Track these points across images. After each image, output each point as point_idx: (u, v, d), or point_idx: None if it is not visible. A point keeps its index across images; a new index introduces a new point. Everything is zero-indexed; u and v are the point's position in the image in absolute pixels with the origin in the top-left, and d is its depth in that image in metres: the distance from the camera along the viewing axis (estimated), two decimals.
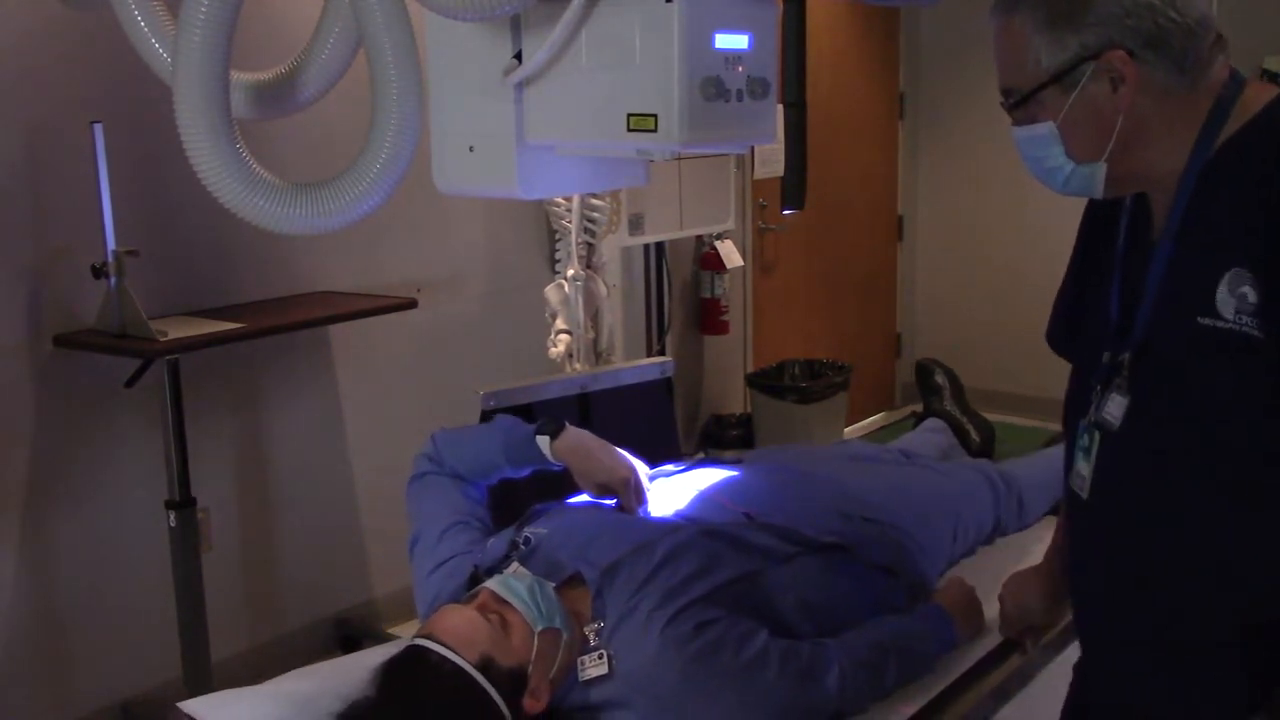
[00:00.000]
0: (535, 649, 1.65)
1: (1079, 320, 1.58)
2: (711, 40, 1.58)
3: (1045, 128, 1.38)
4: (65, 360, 2.78)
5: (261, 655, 3.19)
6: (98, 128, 2.61)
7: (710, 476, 2.11)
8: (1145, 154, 1.37)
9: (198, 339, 2.72)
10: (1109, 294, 1.48)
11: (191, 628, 2.82)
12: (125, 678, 2.97)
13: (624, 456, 2.02)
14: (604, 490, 1.99)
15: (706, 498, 2.03)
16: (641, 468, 2.04)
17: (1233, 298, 1.28)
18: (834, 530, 1.94)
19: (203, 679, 2.79)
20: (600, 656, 1.68)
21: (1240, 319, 1.28)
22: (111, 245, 2.65)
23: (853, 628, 1.82)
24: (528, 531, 1.87)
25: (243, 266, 3.12)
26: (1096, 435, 1.45)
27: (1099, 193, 1.41)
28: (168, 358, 2.71)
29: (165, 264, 2.93)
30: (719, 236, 4.41)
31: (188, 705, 1.84)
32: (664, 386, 2.61)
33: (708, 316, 4.56)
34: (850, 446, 2.82)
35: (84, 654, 2.91)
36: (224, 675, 2.80)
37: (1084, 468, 1.48)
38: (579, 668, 1.69)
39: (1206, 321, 1.30)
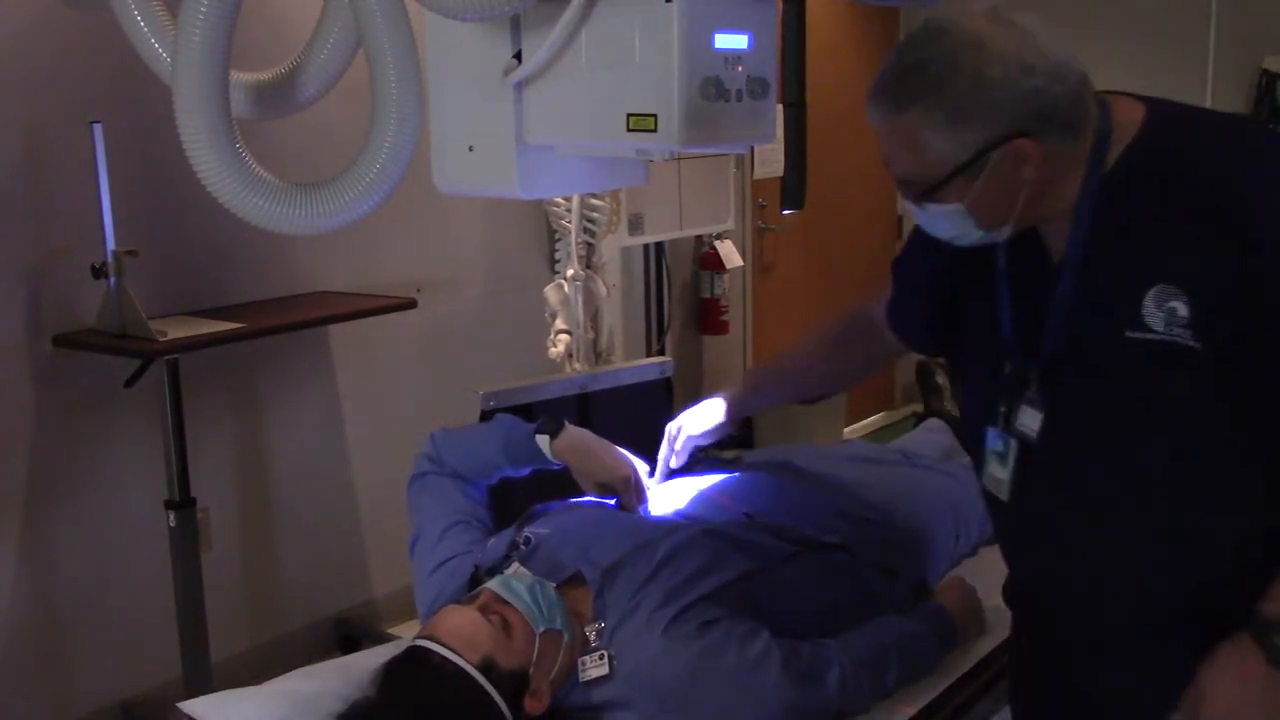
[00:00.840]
0: (537, 650, 1.65)
1: (952, 326, 1.63)
2: (711, 40, 1.58)
3: (954, 208, 1.42)
4: (65, 360, 2.78)
5: (261, 655, 3.19)
6: (97, 127, 2.61)
7: (710, 477, 2.11)
8: (1044, 202, 1.42)
9: (197, 339, 2.72)
10: (997, 311, 1.52)
11: (191, 628, 2.82)
12: (125, 678, 2.96)
13: (623, 455, 2.02)
14: (604, 489, 1.99)
15: (707, 498, 2.03)
16: (642, 466, 2.04)
17: (1161, 311, 1.34)
18: (835, 530, 1.94)
19: (202, 679, 2.79)
20: (601, 657, 1.68)
21: (1172, 330, 1.33)
22: (111, 245, 2.65)
23: (853, 628, 1.82)
24: (528, 531, 1.87)
25: (242, 266, 3.12)
26: (1013, 443, 1.51)
27: (1003, 239, 1.46)
28: (167, 358, 2.71)
29: (165, 264, 2.92)
30: (719, 236, 4.41)
31: (189, 705, 1.84)
32: (664, 386, 2.61)
33: (707, 316, 4.56)
34: (851, 447, 2.82)
35: (83, 654, 2.91)
36: (224, 675, 2.80)
37: (1000, 471, 1.54)
38: (580, 668, 1.69)
39: (1136, 335, 1.35)
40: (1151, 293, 1.34)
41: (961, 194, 1.40)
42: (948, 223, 1.45)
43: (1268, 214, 1.31)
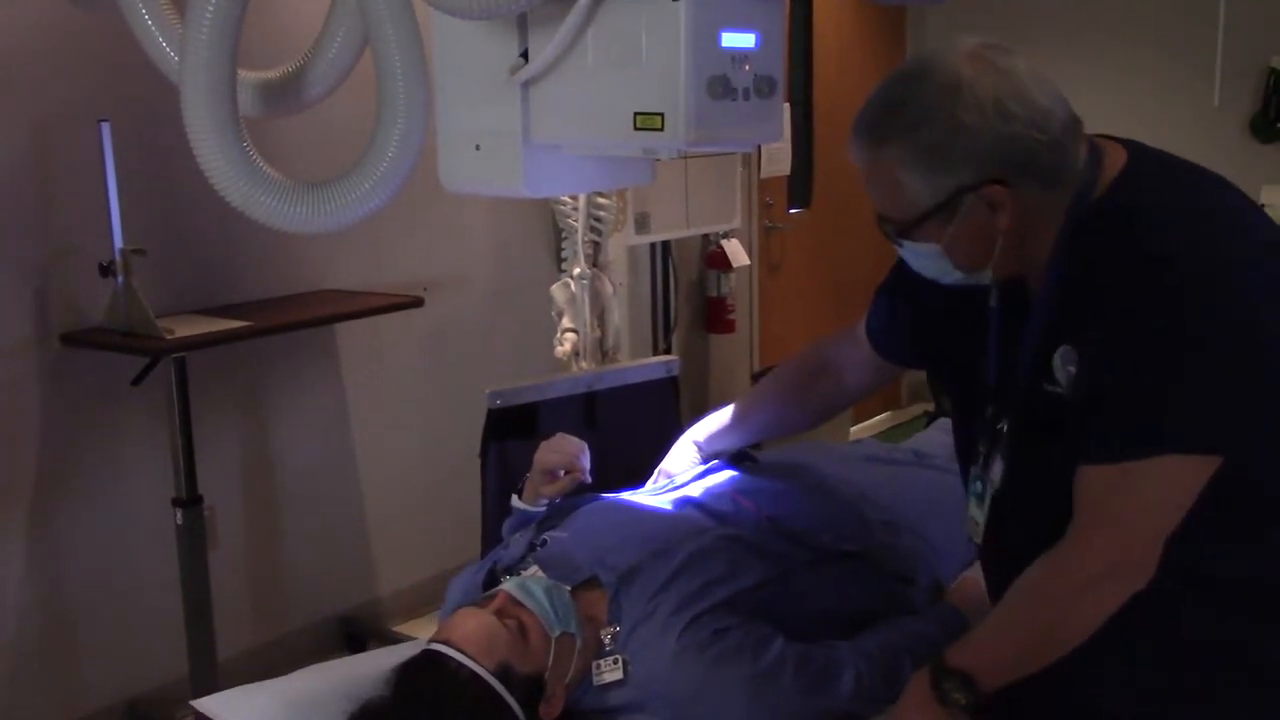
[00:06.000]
0: (552, 655, 1.64)
1: (930, 342, 1.66)
2: (718, 39, 1.58)
3: (930, 248, 1.44)
4: (72, 358, 2.79)
5: (267, 653, 3.20)
6: (105, 126, 2.61)
7: (726, 473, 2.10)
8: (1024, 251, 1.43)
9: (204, 337, 2.73)
10: (986, 353, 1.53)
11: (197, 625, 2.82)
12: (131, 675, 2.97)
13: (545, 448, 2.01)
14: (550, 478, 1.98)
15: (729, 496, 2.01)
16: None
17: (1063, 369, 1.38)
18: (853, 536, 1.92)
19: (209, 677, 2.80)
20: (615, 661, 1.67)
21: (1068, 387, 1.38)
22: (119, 244, 2.65)
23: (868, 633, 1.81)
24: (546, 534, 1.87)
25: (249, 265, 3.13)
26: (989, 487, 1.53)
27: (986, 282, 1.48)
28: (174, 356, 2.72)
29: (172, 262, 2.93)
30: (725, 235, 4.40)
31: (200, 703, 1.84)
32: (670, 385, 2.60)
33: (714, 315, 4.55)
34: (864, 446, 2.81)
35: (90, 651, 2.91)
36: (230, 673, 2.80)
37: (977, 513, 1.56)
38: (594, 671, 1.68)
39: (1051, 388, 1.40)
40: (1060, 350, 1.38)
41: (937, 235, 1.42)
42: (926, 261, 1.48)
43: (1149, 308, 1.32)
